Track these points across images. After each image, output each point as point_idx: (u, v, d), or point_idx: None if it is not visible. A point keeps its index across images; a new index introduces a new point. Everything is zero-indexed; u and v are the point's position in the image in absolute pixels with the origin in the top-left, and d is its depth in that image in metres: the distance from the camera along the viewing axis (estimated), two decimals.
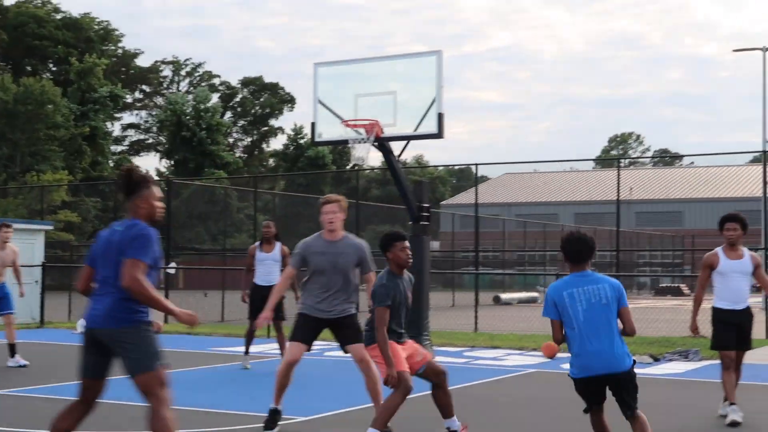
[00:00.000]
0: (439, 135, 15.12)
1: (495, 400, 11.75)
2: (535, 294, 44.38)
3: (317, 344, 18.62)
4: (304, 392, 12.03)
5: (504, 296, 42.07)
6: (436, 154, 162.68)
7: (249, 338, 14.89)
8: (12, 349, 15.04)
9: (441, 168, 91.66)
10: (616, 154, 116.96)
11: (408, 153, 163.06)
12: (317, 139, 16.47)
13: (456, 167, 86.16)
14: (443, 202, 78.84)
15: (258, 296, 14.46)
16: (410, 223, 16.17)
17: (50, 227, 28.93)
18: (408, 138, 15.78)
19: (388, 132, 15.59)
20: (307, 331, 9.36)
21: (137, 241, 6.49)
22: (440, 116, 15.15)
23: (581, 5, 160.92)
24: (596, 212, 70.03)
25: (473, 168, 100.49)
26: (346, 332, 9.31)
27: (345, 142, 15.79)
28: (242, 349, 15.05)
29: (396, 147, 15.95)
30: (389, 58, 16.11)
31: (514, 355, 17.37)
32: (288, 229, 65.48)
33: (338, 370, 14.72)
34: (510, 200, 79.91)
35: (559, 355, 16.90)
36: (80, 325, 22.09)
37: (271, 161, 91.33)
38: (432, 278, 46.33)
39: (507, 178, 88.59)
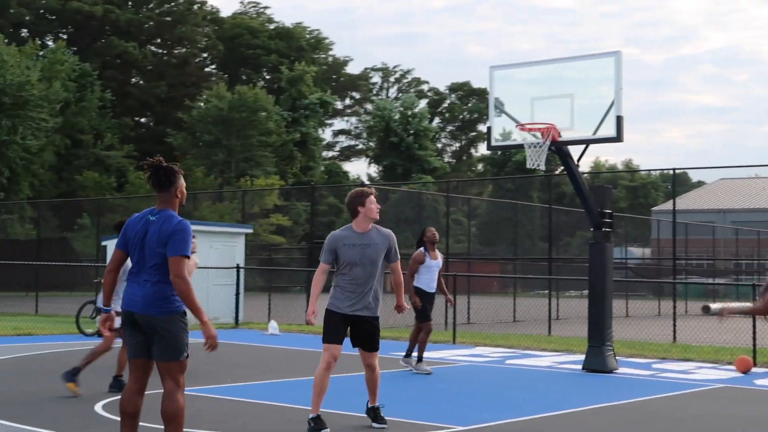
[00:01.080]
0: (618, 139, 14.57)
1: (668, 415, 11.19)
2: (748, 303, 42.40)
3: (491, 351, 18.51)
4: (459, 401, 11.84)
5: (714, 306, 40.37)
6: (645, 159, 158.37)
7: (415, 341, 14.84)
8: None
9: (656, 173, 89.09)
10: None
11: (617, 157, 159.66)
12: (494, 143, 16.21)
13: (655, 172, 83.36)
14: (655, 208, 76.61)
15: (426, 302, 14.59)
16: (591, 229, 15.65)
17: (250, 230, 29.74)
18: (586, 142, 15.30)
19: (565, 136, 15.16)
20: (340, 330, 9.37)
21: (179, 236, 6.80)
22: (619, 119, 14.60)
23: None
24: None
25: (688, 173, 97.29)
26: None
27: (521, 146, 15.46)
28: (427, 355, 14.96)
29: (576, 151, 15.52)
30: (566, 60, 15.66)
31: (706, 368, 16.56)
32: (497, 234, 65.41)
33: (504, 379, 14.44)
34: (724, 206, 76.83)
35: (753, 370, 16.02)
36: (271, 326, 22.59)
37: (479, 166, 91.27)
38: (639, 287, 45.20)
39: (723, 183, 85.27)
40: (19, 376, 13.53)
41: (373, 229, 9.36)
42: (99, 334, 20.63)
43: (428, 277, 14.74)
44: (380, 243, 9.30)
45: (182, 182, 7.16)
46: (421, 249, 14.81)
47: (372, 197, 9.29)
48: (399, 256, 9.45)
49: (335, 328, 9.30)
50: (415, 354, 14.86)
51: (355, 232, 9.34)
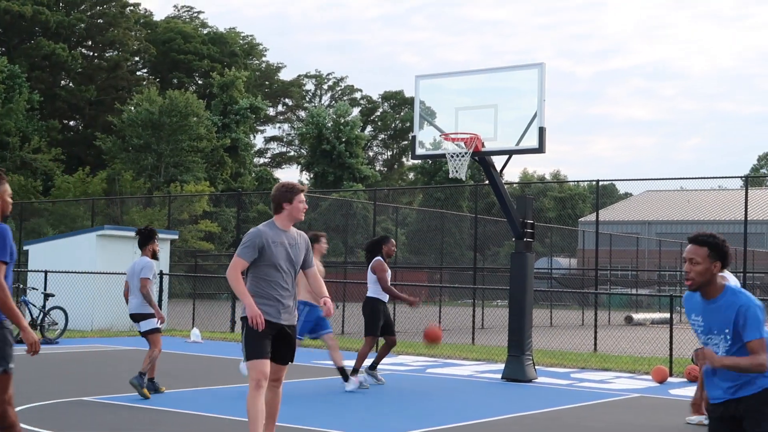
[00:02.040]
0: (540, 150, 14.72)
1: (584, 424, 11.31)
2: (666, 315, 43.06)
3: (417, 360, 18.58)
4: (379, 410, 11.86)
5: (637, 316, 40.95)
6: (574, 170, 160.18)
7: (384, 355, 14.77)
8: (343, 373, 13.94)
9: (584, 184, 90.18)
10: (766, 172, 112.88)
11: (545, 168, 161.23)
12: (418, 153, 16.28)
13: (584, 183, 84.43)
14: (582, 219, 77.54)
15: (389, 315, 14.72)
16: (514, 239, 15.79)
17: (175, 236, 29.52)
18: (509, 152, 15.43)
19: (489, 146, 15.29)
20: (267, 342, 8.15)
21: None
22: (542, 131, 14.76)
23: (731, 20, 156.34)
24: (750, 231, 67.52)
25: (615, 185, 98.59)
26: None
27: (444, 155, 15.55)
28: (349, 363, 14.87)
29: (499, 161, 15.65)
30: (492, 71, 15.79)
31: (624, 378, 16.79)
32: (426, 243, 65.75)
33: (438, 388, 14.50)
34: (649, 218, 78.04)
35: (669, 380, 16.28)
36: (193, 334, 22.43)
37: (411, 175, 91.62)
38: (564, 297, 45.68)
39: (648, 195, 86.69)
40: None
41: (293, 229, 8.38)
42: (18, 340, 20.31)
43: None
44: (301, 244, 8.33)
45: (5, 187, 6.69)
46: (380, 258, 14.27)
47: (302, 195, 8.29)
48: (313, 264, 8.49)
49: (262, 341, 8.03)
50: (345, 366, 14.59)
51: (279, 229, 8.28)
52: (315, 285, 8.48)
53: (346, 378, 13.71)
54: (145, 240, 12.97)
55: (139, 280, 12.70)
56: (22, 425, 9.54)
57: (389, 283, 14.19)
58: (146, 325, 12.84)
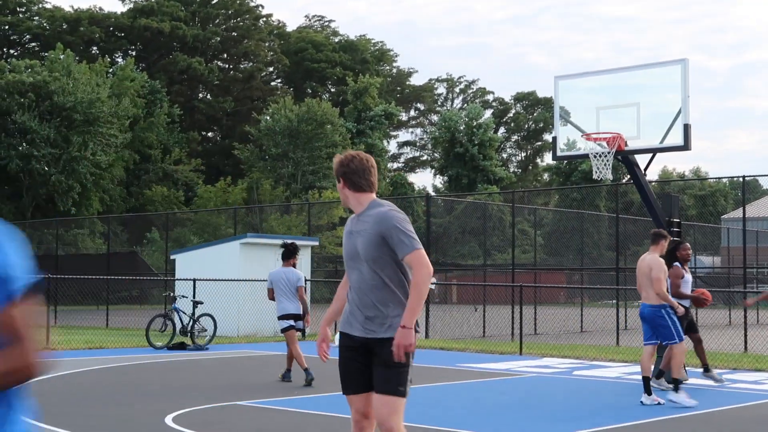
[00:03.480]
0: (685, 147, 14.42)
1: (740, 426, 11.02)
2: None
3: (565, 362, 18.42)
4: (526, 412, 11.79)
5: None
6: (714, 166, 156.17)
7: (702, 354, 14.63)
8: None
9: (725, 180, 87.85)
10: None
11: (685, 165, 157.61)
12: (559, 153, 16.14)
13: (724, 179, 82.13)
14: (724, 216, 75.53)
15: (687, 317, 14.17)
16: None
17: (316, 243, 29.90)
18: (653, 151, 15.16)
19: (631, 145, 15.05)
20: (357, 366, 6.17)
21: None
22: (686, 127, 14.45)
23: None
24: None
25: (758, 180, 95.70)
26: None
27: (587, 155, 15.37)
28: (493, 366, 14.73)
29: (642, 160, 15.38)
30: (631, 69, 15.55)
31: None
32: (563, 244, 65.03)
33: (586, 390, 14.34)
34: None
35: None
36: (338, 339, 22.69)
37: (545, 176, 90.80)
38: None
39: None
40: (90, 388, 13.75)
41: (370, 209, 5.96)
42: (170, 347, 20.94)
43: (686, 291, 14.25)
44: (370, 227, 5.85)
45: None
46: (678, 264, 14.11)
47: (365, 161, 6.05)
48: (414, 246, 5.72)
49: (349, 365, 6.19)
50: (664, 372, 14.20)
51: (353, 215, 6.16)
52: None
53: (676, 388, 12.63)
54: (290, 254, 14.67)
55: (298, 288, 14.55)
56: (183, 429, 9.84)
57: (679, 288, 13.99)
58: (301, 324, 14.75)
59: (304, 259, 27.17)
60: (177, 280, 26.36)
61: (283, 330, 14.76)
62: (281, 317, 14.66)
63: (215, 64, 75.63)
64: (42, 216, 51.09)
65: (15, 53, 68.76)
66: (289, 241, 15.15)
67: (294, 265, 14.73)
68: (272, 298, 14.79)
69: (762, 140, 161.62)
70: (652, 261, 12.47)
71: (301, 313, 14.78)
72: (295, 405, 12.04)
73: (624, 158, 15.09)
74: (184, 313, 22.11)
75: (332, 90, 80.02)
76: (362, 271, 5.95)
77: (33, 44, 71.38)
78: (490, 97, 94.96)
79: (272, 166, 62.46)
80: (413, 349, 5.79)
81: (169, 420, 10.53)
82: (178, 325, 21.85)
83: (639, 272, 12.75)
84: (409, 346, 5.74)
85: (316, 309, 28.05)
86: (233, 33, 76.80)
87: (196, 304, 22.57)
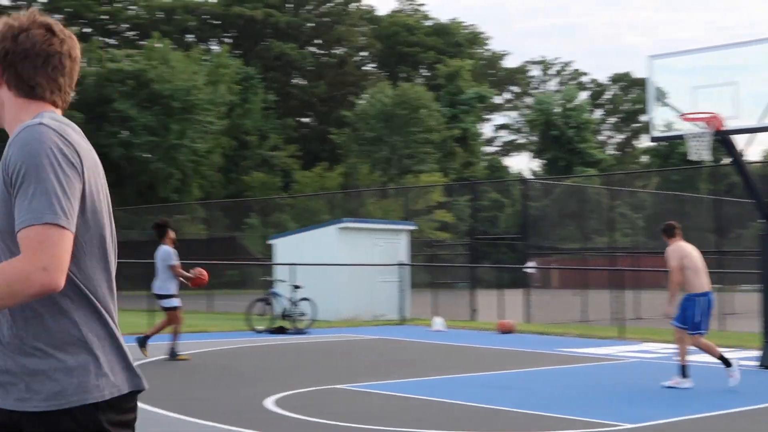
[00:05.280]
0: None
1: None
2: None
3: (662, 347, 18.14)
4: (627, 398, 11.69)
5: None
6: None
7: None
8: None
9: None
10: None
11: None
12: (655, 134, 15.90)
13: None
14: None
15: None
16: (759, 221, 15.16)
17: (414, 227, 29.98)
18: (753, 131, 14.81)
19: (730, 125, 14.71)
20: None
21: None
22: None
23: None
24: None
25: None
26: None
27: (682, 137, 15.10)
28: (594, 351, 14.57)
29: (742, 140, 15.06)
30: (729, 47, 15.15)
31: None
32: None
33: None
34: None
35: None
36: (437, 322, 22.76)
37: (644, 158, 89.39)
38: None
39: None
40: (193, 371, 14.05)
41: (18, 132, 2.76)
42: (270, 330, 21.26)
43: None
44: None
45: None
46: None
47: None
48: (40, 217, 2.58)
49: None
50: None
51: None
52: None
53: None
54: (162, 231, 15.65)
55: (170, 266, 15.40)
56: (284, 412, 10.01)
57: None
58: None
59: (401, 243, 27.30)
60: (276, 264, 26.69)
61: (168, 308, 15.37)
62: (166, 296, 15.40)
63: (308, 50, 76.15)
64: (144, 203, 52.12)
65: (114, 42, 70.10)
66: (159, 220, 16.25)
67: (173, 242, 15.75)
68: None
69: None
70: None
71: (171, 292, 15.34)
72: (395, 389, 12.12)
73: (722, 139, 14.79)
74: (283, 297, 22.41)
75: (425, 74, 79.93)
76: None
77: (131, 33, 72.70)
78: (585, 79, 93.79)
79: (368, 151, 62.72)
80: None
81: (269, 403, 10.69)
82: (278, 310, 22.16)
83: (696, 259, 12.57)
84: None
85: (414, 294, 28.11)
86: (325, 18, 77.16)
87: (295, 288, 22.83)
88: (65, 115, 2.90)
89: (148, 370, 13.46)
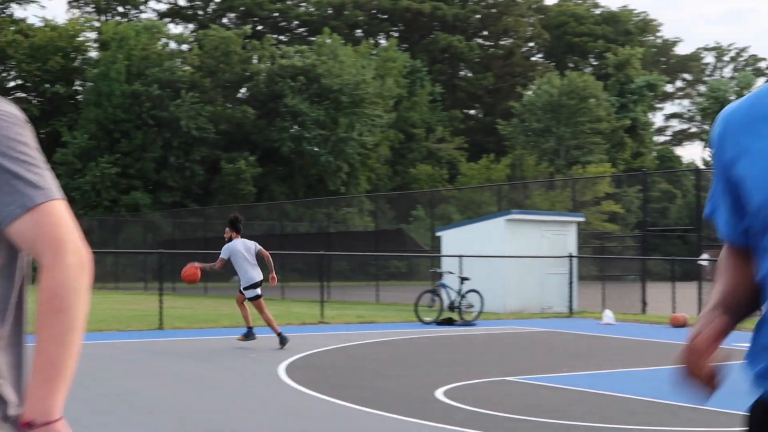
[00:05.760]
0: None
1: None
2: None
3: None
4: None
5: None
6: None
7: None
8: None
9: None
10: None
11: None
12: None
13: None
14: None
15: None
16: None
17: (581, 219, 29.56)
18: None
19: None
20: None
21: None
22: None
23: None
24: None
25: None
26: None
27: None
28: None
29: None
30: None
31: None
32: None
33: None
34: None
35: None
36: (606, 315, 22.39)
37: None
38: None
39: None
40: (364, 361, 14.20)
41: None
42: (438, 322, 21.35)
43: None
44: None
45: None
46: None
47: None
48: (43, 194, 2.04)
49: None
50: None
51: None
52: None
53: None
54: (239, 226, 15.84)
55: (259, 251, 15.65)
56: (454, 403, 10.01)
57: None
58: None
59: (570, 235, 26.95)
60: (443, 256, 26.75)
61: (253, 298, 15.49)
62: (251, 286, 15.47)
63: (474, 41, 76.01)
64: (313, 195, 53.09)
65: (285, 39, 71.60)
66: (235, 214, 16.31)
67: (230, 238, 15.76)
68: (219, 269, 15.85)
69: None
70: None
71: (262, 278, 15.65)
72: (565, 382, 11.96)
73: None
74: (451, 289, 22.44)
75: (594, 63, 78.74)
76: None
77: (301, 30, 74.14)
78: (763, 65, 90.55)
79: (535, 142, 62.22)
80: None
81: (439, 393, 10.71)
82: (446, 301, 22.21)
83: None
84: None
85: (583, 286, 27.73)
86: (492, 10, 76.87)
87: (462, 280, 22.82)
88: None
89: (321, 360, 13.69)
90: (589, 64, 78.84)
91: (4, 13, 61.26)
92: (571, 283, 25.21)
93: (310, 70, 54.60)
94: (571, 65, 75.95)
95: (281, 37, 72.22)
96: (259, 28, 70.06)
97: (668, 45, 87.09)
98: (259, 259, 15.72)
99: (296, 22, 74.29)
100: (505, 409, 9.71)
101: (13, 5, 61.92)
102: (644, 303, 25.81)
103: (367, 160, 57.29)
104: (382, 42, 72.27)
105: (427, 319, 21.42)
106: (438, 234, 29.24)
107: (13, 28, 59.45)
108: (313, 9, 72.73)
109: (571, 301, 25.22)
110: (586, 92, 61.58)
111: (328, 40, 57.36)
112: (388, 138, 59.92)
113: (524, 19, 77.60)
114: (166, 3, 73.11)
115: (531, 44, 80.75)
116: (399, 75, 62.18)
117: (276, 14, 72.44)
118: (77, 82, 62.41)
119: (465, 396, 10.55)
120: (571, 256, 25.02)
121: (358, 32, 73.33)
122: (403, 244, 42.84)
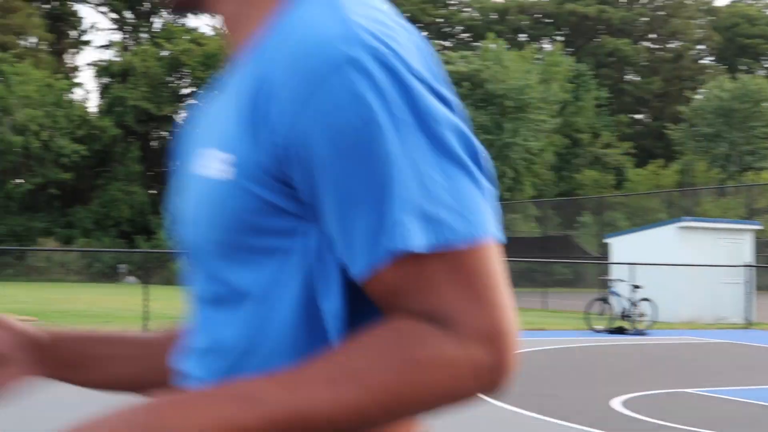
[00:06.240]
0: None
1: None
2: None
3: None
4: None
5: None
6: None
7: None
8: None
9: None
10: None
11: None
12: None
13: None
14: None
15: None
16: None
17: (759, 227, 28.64)
18: None
19: None
20: None
21: None
22: None
23: None
24: None
25: None
26: None
27: None
28: None
29: None
30: None
31: None
32: None
33: None
34: None
35: None
36: None
37: None
38: None
39: None
40: (537, 369, 14.11)
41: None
42: (609, 330, 21.02)
43: None
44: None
45: None
46: None
47: None
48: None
49: None
50: None
51: None
52: None
53: None
54: None
55: None
56: (634, 414, 9.84)
57: None
58: None
59: (745, 243, 26.15)
60: (613, 263, 26.34)
61: None
62: None
63: (641, 45, 74.63)
64: None
65: (449, 45, 71.83)
66: None
67: None
68: None
69: None
70: None
71: None
72: (748, 396, 11.62)
73: None
74: (622, 297, 22.07)
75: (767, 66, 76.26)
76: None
77: (465, 35, 74.24)
78: None
79: (705, 147, 60.56)
80: None
81: (617, 404, 10.56)
82: (617, 309, 21.85)
83: None
84: None
85: (761, 297, 26.83)
86: (660, 12, 75.30)
87: (634, 288, 22.39)
88: None
89: None
90: (762, 67, 76.29)
91: (177, 22, 63.44)
92: (748, 293, 24.45)
93: (474, 75, 54.63)
94: (743, 68, 73.63)
95: (445, 43, 72.44)
96: (424, 33, 70.72)
97: None
98: None
99: (460, 28, 74.42)
100: (686, 422, 9.50)
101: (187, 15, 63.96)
102: None
103: (532, 166, 56.88)
104: (547, 46, 71.67)
105: (598, 327, 21.10)
106: (606, 240, 28.81)
107: (186, 37, 61.51)
108: (476, 14, 72.75)
109: (748, 312, 24.46)
110: (760, 96, 59.60)
111: (493, 45, 57.26)
112: (553, 143, 59.34)
113: (693, 21, 75.72)
114: None
115: (700, 47, 78.68)
116: (564, 79, 61.49)
117: (440, 20, 72.75)
118: None
119: (643, 407, 10.37)
120: (749, 266, 24.26)
121: (522, 36, 72.94)
122: (569, 250, 42.40)
